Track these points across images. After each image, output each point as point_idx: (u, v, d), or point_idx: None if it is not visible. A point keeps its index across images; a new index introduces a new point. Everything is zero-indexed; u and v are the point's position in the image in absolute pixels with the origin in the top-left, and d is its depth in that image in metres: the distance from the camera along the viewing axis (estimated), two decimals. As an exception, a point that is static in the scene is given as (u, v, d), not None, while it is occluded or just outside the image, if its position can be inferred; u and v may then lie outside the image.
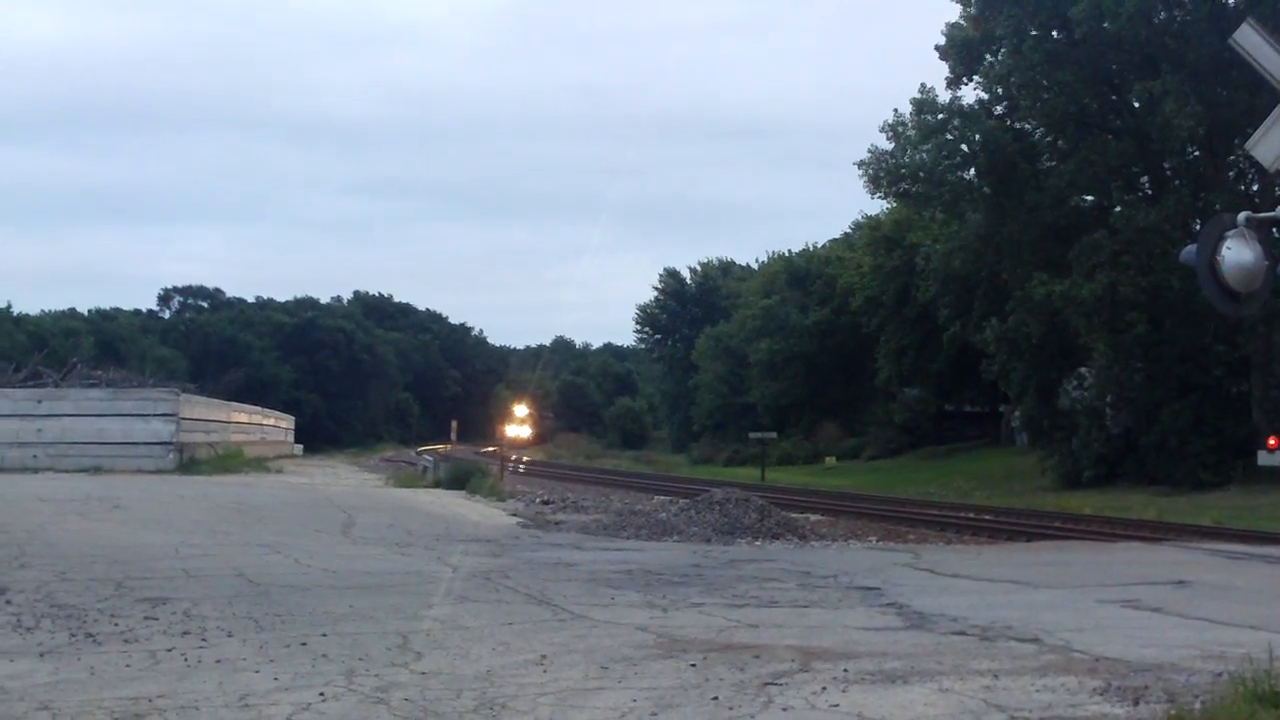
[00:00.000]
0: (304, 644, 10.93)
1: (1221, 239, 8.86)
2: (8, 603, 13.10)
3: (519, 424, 68.77)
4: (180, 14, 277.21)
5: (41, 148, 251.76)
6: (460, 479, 39.43)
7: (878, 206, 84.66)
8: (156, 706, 8.38)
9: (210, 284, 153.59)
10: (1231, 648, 10.98)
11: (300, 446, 76.48)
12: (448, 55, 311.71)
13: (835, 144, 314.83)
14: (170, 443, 41.72)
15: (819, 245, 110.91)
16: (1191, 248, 9.16)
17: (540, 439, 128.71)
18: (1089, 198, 55.45)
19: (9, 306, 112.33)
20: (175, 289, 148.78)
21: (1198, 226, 43.28)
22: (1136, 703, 8.69)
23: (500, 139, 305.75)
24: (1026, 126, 56.61)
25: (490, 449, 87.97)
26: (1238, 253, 8.74)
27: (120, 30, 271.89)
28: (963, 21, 54.99)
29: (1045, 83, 52.14)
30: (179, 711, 8.25)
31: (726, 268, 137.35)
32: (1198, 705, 8.32)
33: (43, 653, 10.50)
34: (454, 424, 64.37)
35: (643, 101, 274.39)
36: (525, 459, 77.72)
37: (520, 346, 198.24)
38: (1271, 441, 39.71)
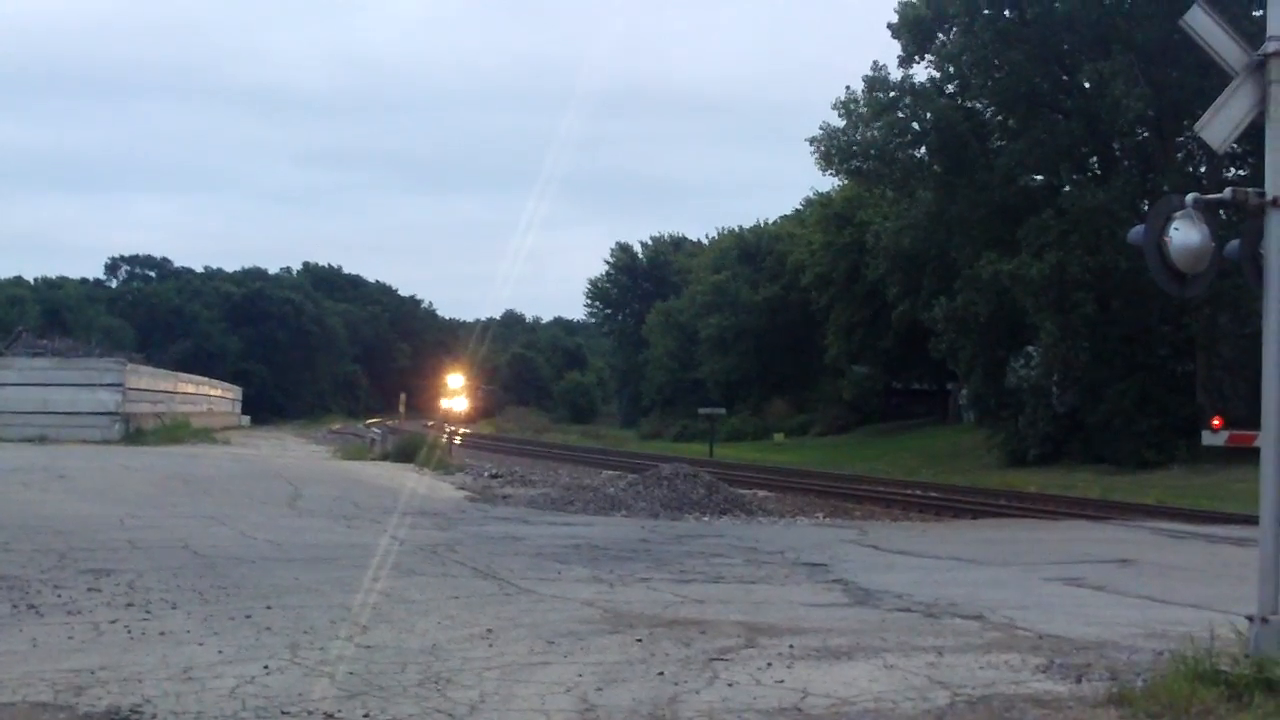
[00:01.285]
0: (248, 616, 10.87)
1: (1169, 220, 8.89)
2: (-51, 573, 12.99)
3: (454, 396, 66.75)
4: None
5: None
6: (408, 452, 39.36)
7: (829, 183, 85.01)
8: (99, 679, 8.31)
9: (158, 253, 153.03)
10: (1173, 626, 11.06)
11: (247, 418, 76.24)
12: (399, 26, 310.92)
13: (786, 120, 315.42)
14: (116, 413, 41.44)
15: (770, 221, 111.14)
16: (1139, 228, 9.20)
17: (489, 412, 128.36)
18: (1038, 177, 55.68)
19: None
20: (123, 258, 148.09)
21: (1146, 207, 43.64)
22: (1079, 680, 8.73)
23: (452, 110, 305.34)
24: (978, 105, 56.85)
25: (429, 423, 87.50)
26: (1185, 234, 8.78)
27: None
28: (915, -1, 55.10)
29: (996, 62, 52.37)
30: (121, 684, 8.18)
31: (678, 243, 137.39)
32: (1140, 683, 8.36)
33: (-16, 624, 10.42)
34: (403, 397, 64.17)
35: (594, 75, 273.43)
36: (463, 431, 76.78)
37: (470, 319, 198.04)
38: (1215, 421, 39.78)
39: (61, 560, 14.13)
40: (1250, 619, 8.37)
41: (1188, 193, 9.10)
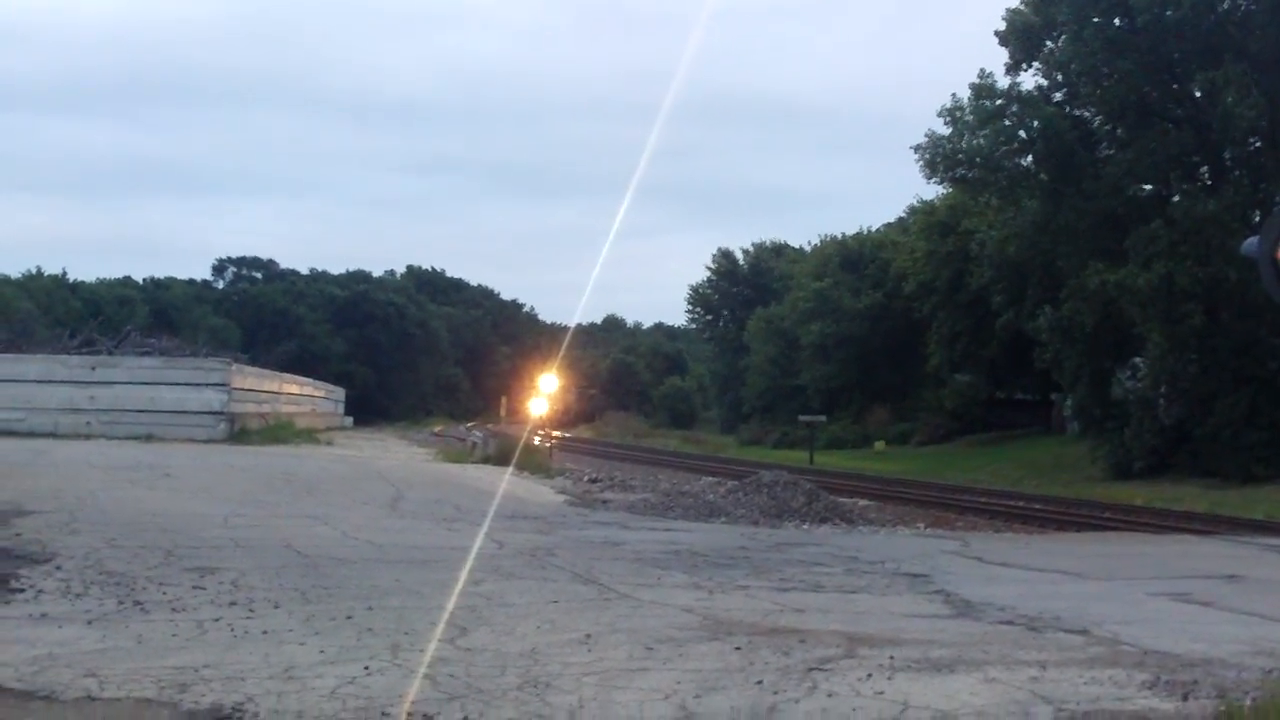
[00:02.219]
0: (350, 617, 10.94)
1: (1284, 231, 8.72)
2: (57, 569, 13.16)
3: (542, 399, 64.11)
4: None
5: (100, 120, 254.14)
6: (509, 455, 39.42)
7: (933, 191, 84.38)
8: (203, 676, 8.40)
9: (264, 255, 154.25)
10: (1283, 644, 10.86)
11: (350, 419, 76.64)
12: (500, 35, 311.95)
13: (889, 128, 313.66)
14: (221, 412, 41.77)
15: (873, 229, 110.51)
16: (1253, 240, 9.04)
17: (589, 416, 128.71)
18: (1147, 187, 55.03)
19: (65, 274, 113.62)
20: (229, 259, 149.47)
21: (1257, 218, 43.04)
22: (1185, 697, 8.58)
23: (553, 119, 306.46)
24: (1085, 114, 56.27)
25: (527, 426, 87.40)
26: (1300, 245, 8.61)
27: (178, 5, 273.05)
28: (1023, 7, 54.65)
29: (1105, 70, 51.77)
30: (225, 682, 8.26)
31: (779, 249, 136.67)
32: (1248, 701, 8.21)
33: (91, 620, 10.54)
34: (504, 400, 64.23)
35: (695, 84, 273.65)
36: (555, 434, 75.94)
37: (572, 324, 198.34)
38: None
39: (167, 557, 14.29)
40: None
41: (1302, 204, 8.93)
